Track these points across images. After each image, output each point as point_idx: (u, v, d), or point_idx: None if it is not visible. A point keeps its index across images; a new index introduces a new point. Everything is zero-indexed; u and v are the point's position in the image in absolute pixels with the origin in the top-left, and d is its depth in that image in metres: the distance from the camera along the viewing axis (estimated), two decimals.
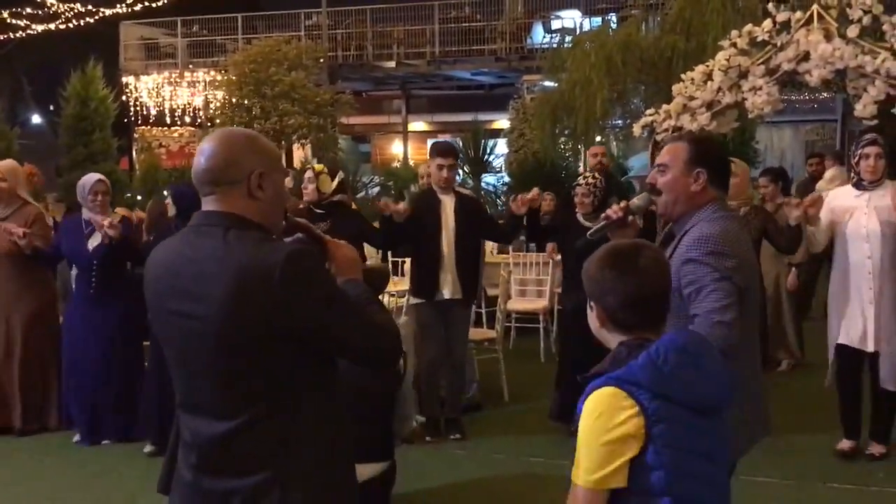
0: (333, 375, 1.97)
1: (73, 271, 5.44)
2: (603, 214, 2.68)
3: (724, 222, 2.46)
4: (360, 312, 1.92)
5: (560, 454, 4.61)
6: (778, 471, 4.37)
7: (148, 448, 4.85)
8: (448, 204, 5.02)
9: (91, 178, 5.05)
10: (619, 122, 10.36)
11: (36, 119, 26.92)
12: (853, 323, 4.50)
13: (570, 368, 4.82)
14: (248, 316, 1.78)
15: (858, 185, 4.56)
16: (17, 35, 15.29)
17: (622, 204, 2.62)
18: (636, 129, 6.03)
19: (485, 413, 5.60)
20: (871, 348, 4.46)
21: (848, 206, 4.53)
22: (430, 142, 23.14)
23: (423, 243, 5.04)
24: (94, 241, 4.97)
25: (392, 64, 18.33)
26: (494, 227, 5.46)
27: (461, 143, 16.24)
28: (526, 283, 6.30)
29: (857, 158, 4.54)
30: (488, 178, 16.00)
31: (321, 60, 16.16)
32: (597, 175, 5.17)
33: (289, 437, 1.85)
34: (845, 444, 4.66)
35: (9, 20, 14.72)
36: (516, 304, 6.48)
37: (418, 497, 4.21)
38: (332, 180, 4.88)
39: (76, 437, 5.13)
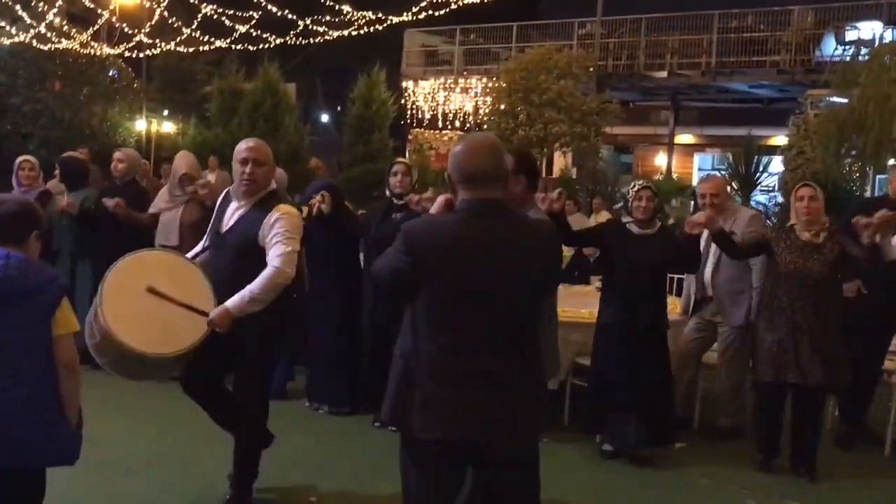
0: None
1: None
2: None
3: None
4: None
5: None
6: None
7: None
8: None
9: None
10: None
11: (324, 118, 29.52)
12: None
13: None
14: (543, 270, 2.61)
15: None
16: (316, 41, 16.77)
17: None
18: None
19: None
20: None
21: None
22: (696, 156, 22.31)
23: None
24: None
25: (664, 74, 17.87)
26: None
27: (731, 159, 15.44)
28: None
29: None
30: (759, 197, 15.06)
31: (591, 69, 16.12)
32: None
33: (536, 355, 2.64)
34: None
35: (310, 27, 16.18)
36: None
37: None
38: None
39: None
